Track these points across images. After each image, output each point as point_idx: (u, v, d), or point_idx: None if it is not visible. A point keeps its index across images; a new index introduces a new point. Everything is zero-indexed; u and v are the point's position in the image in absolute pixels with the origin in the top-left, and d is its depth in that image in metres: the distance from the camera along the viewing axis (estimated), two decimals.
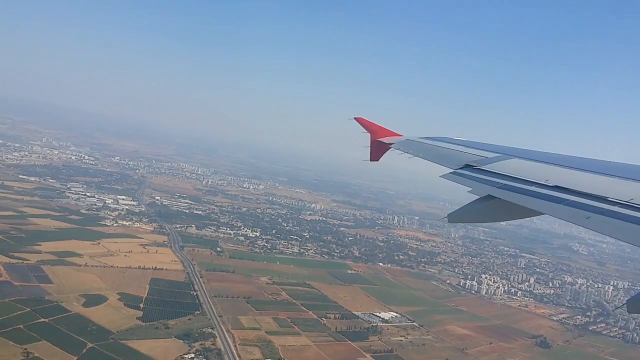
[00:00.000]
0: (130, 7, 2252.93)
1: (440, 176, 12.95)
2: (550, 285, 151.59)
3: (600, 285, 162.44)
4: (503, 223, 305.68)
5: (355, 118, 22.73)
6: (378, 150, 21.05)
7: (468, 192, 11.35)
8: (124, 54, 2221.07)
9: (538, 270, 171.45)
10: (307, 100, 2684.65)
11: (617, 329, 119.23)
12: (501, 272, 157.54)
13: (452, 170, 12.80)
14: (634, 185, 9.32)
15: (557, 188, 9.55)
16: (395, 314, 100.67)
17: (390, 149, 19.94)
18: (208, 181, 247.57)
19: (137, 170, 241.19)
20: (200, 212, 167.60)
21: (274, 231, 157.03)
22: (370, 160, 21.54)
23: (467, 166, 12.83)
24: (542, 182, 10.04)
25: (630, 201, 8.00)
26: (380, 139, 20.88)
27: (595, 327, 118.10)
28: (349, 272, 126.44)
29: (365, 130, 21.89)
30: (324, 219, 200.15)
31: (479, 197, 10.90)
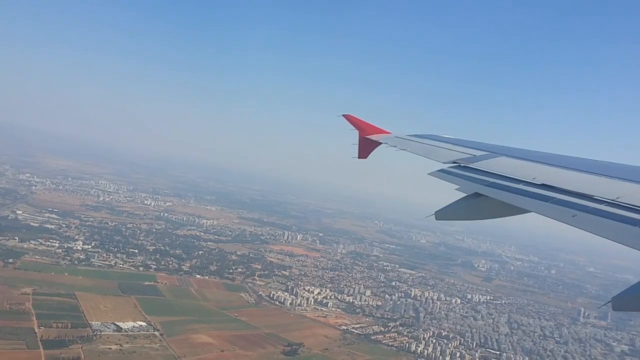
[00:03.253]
0: (107, 27, 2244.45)
1: (427, 174, 13.03)
2: (387, 297, 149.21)
3: (448, 299, 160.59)
4: (423, 241, 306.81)
5: (343, 115, 22.57)
6: (366, 147, 21.15)
7: (455, 189, 11.57)
8: (94, 76, 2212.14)
9: (395, 284, 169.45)
10: (304, 127, 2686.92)
11: (406, 338, 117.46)
12: (342, 285, 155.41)
13: (439, 168, 13.05)
14: (621, 184, 9.32)
15: (544, 186, 9.66)
16: (142, 324, 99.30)
17: (379, 146, 20.29)
18: (107, 198, 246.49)
19: (34, 187, 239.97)
20: (51, 226, 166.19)
21: (114, 245, 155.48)
22: (359, 157, 21.56)
23: (455, 164, 13.05)
24: (529, 181, 10.16)
25: (617, 200, 8.09)
26: (368, 137, 20.96)
27: (381, 336, 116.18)
28: (146, 283, 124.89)
29: (354, 128, 21.86)
30: (201, 234, 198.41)
31: (466, 194, 11.07)
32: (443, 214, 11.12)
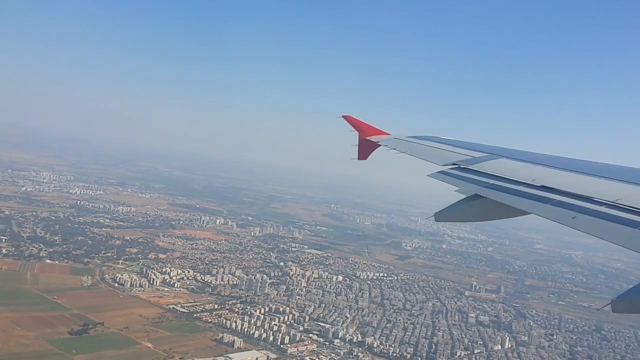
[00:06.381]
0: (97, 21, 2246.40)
1: (427, 175, 13.09)
2: (245, 277, 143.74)
3: (330, 276, 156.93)
4: (367, 222, 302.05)
5: (343, 116, 22.54)
6: (366, 149, 21.09)
7: (455, 191, 11.51)
8: (86, 72, 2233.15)
9: (282, 264, 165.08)
10: (301, 116, 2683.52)
11: (235, 315, 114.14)
12: (215, 266, 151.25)
13: (439, 170, 13.05)
14: (620, 186, 9.37)
15: (543, 188, 9.66)
16: None
17: (378, 148, 20.27)
18: (31, 188, 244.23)
19: None
20: None
21: None
22: (358, 159, 21.56)
23: (455, 165, 13.10)
24: (529, 182, 10.20)
25: (616, 202, 8.09)
26: (368, 138, 20.92)
27: (207, 314, 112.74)
28: None
29: (354, 129, 21.79)
30: (105, 221, 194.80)
31: (465, 196, 11.06)
32: (443, 216, 11.09)
